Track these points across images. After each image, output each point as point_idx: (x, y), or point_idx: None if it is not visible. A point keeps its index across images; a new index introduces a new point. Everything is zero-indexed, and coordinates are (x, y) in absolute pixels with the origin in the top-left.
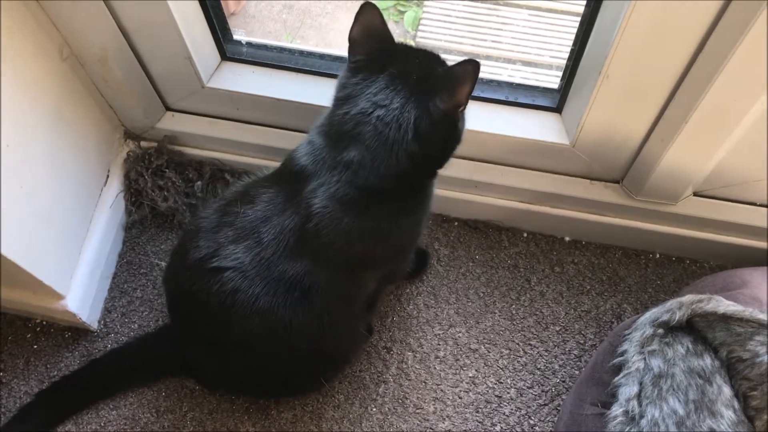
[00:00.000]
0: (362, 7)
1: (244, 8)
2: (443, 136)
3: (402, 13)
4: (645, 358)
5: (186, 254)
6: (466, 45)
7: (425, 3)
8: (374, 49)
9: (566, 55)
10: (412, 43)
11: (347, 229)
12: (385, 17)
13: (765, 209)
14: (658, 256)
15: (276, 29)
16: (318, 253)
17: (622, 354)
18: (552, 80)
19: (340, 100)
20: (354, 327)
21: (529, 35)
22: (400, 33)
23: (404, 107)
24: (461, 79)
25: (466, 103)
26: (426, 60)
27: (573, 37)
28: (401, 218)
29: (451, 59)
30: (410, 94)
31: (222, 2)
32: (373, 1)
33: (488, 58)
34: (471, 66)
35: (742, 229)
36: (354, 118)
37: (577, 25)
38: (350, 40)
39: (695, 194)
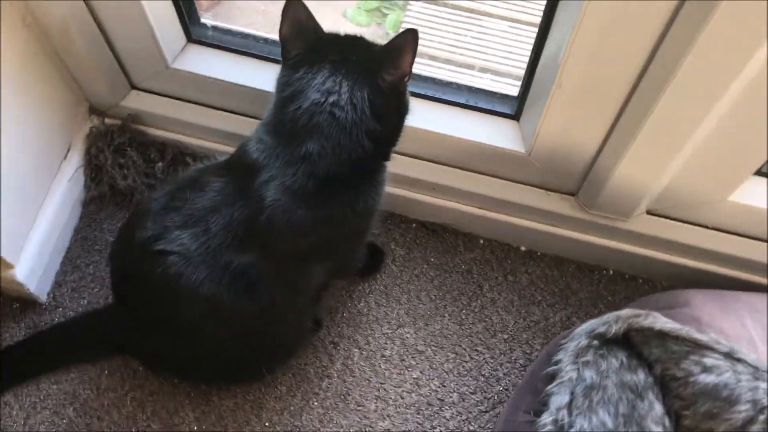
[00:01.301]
0: (287, 4)
1: None
2: (394, 108)
3: (385, 15)
4: (578, 369)
5: (132, 234)
6: (445, 52)
7: (407, 6)
8: (308, 42)
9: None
10: None
11: (300, 220)
12: (369, 19)
13: (717, 232)
14: (611, 272)
15: (258, 21)
16: (267, 245)
17: (557, 363)
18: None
19: (287, 99)
20: (299, 319)
21: (504, 45)
22: (381, 34)
23: (354, 88)
24: (403, 49)
25: (410, 72)
26: (359, 42)
27: None
28: (355, 205)
29: (431, 64)
30: (356, 75)
31: None
32: (360, 2)
33: (467, 66)
34: (410, 35)
35: (694, 251)
36: (307, 111)
37: None
38: (281, 39)
39: (648, 212)
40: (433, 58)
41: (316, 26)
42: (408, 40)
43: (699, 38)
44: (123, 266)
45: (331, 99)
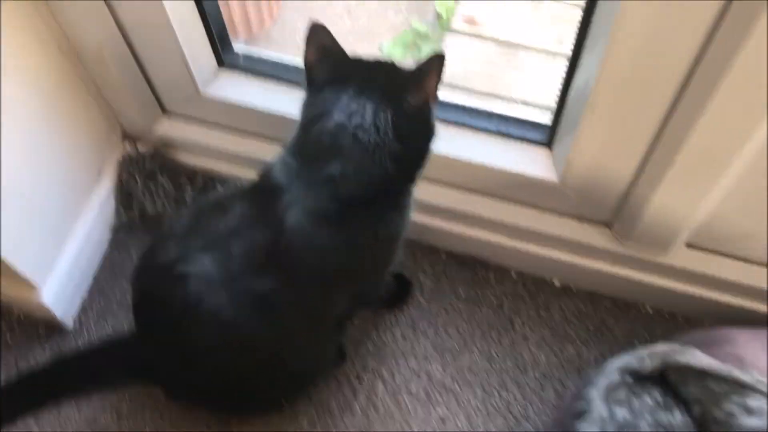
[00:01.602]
0: (311, 29)
1: (268, 33)
2: (420, 131)
3: (421, 49)
4: (610, 407)
5: (154, 256)
6: (480, 84)
7: (443, 40)
8: (333, 66)
9: None
10: None
11: (321, 245)
12: (404, 52)
13: (762, 268)
14: (649, 309)
15: (297, 54)
16: (288, 270)
17: (587, 399)
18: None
19: (311, 120)
20: (321, 348)
21: (540, 78)
22: None
23: (378, 110)
24: (428, 73)
25: (435, 96)
26: (383, 65)
27: None
28: (379, 230)
29: (466, 98)
30: (381, 97)
31: (243, 20)
32: (390, 37)
33: (501, 98)
34: (436, 59)
35: (737, 288)
36: (331, 132)
37: None
38: (306, 64)
39: (689, 246)
40: (466, 90)
41: (341, 50)
42: (434, 63)
43: (736, 62)
44: (144, 289)
45: (354, 121)
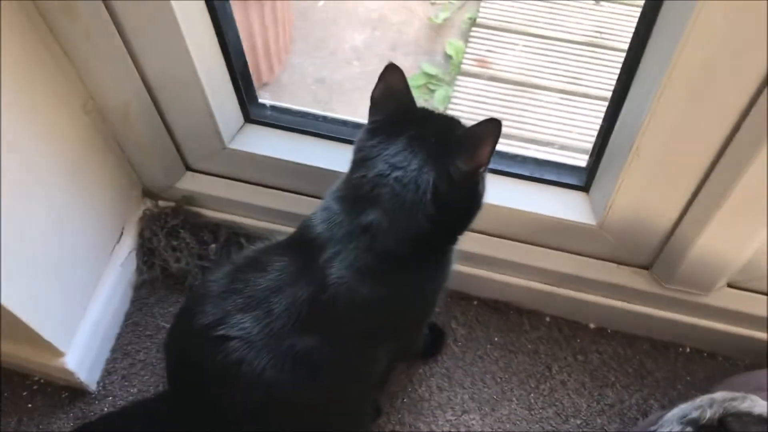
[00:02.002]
0: (386, 68)
1: (278, 79)
2: (463, 198)
3: (432, 92)
4: None
5: (191, 319)
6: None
7: (456, 82)
8: (394, 110)
9: (592, 139)
10: None
11: (365, 299)
12: (417, 94)
13: None
14: (688, 350)
15: (307, 102)
16: (331, 326)
17: None
18: (579, 161)
19: (357, 163)
20: (363, 406)
21: (561, 119)
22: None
23: (422, 169)
24: (482, 139)
25: (487, 164)
26: (445, 123)
27: (599, 121)
28: (421, 285)
29: None
30: (429, 156)
31: (254, 70)
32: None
33: (517, 138)
34: (492, 125)
35: None
36: (371, 181)
37: (604, 109)
38: (372, 100)
39: (729, 285)
40: None
41: (409, 96)
42: (489, 129)
43: None
44: (181, 353)
45: (396, 174)
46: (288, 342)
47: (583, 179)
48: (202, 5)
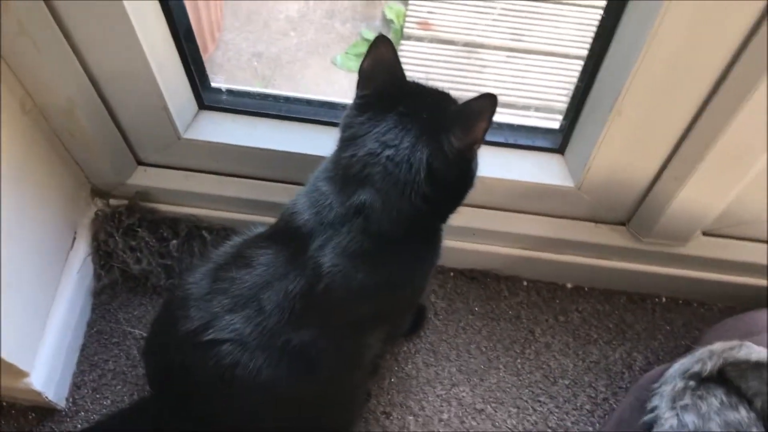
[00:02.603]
0: (376, 39)
1: (212, 57)
2: (457, 176)
3: None
4: (678, 414)
5: (175, 325)
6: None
7: (400, 47)
8: (384, 84)
9: (551, 96)
10: None
11: (360, 285)
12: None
13: None
14: (664, 300)
15: (246, 78)
16: (326, 317)
17: (653, 410)
18: (538, 123)
19: (345, 141)
20: (358, 394)
21: (511, 77)
22: None
23: (415, 146)
24: (478, 115)
25: (482, 140)
26: (437, 98)
27: (558, 78)
28: (415, 266)
29: None
30: (421, 132)
31: None
32: (342, 49)
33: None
34: (489, 100)
35: (752, 268)
36: (362, 160)
37: (560, 66)
38: (360, 72)
39: (704, 233)
40: None
41: (399, 71)
42: (486, 105)
43: None
44: (166, 362)
45: (387, 152)
46: (283, 338)
47: (558, 142)
48: None
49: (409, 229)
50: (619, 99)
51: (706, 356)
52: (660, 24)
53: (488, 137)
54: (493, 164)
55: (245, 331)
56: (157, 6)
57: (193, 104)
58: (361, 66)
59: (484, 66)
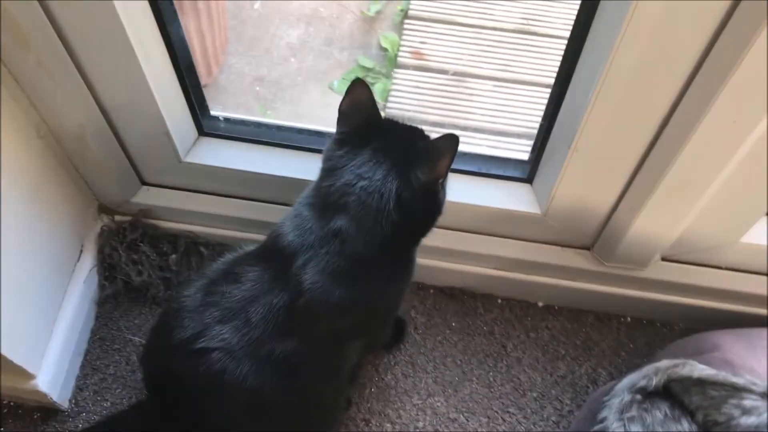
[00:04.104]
0: (353, 82)
1: (216, 81)
2: (424, 206)
3: (372, 84)
4: (625, 425)
5: (170, 334)
6: (434, 116)
7: (393, 74)
8: (360, 122)
9: (535, 125)
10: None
11: (339, 301)
12: None
13: (735, 273)
14: (629, 319)
15: (248, 101)
16: (307, 329)
17: (602, 421)
18: (521, 149)
19: (325, 172)
20: (337, 401)
21: (497, 106)
22: None
23: (386, 179)
24: (441, 153)
25: (445, 176)
26: (408, 135)
27: (542, 107)
28: (389, 284)
29: (425, 129)
30: (392, 166)
31: None
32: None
33: (457, 127)
34: (450, 140)
35: (710, 292)
36: (339, 190)
37: (543, 96)
38: (340, 111)
39: (663, 259)
40: (422, 122)
41: (375, 110)
42: (448, 144)
43: (713, 103)
44: (161, 368)
45: (361, 183)
46: (267, 348)
47: (527, 172)
48: (154, 25)
49: (381, 251)
50: (576, 137)
51: (652, 372)
52: (608, 69)
53: (464, 167)
54: (468, 191)
55: (233, 340)
56: (161, 43)
57: (193, 131)
58: (340, 105)
59: (471, 94)
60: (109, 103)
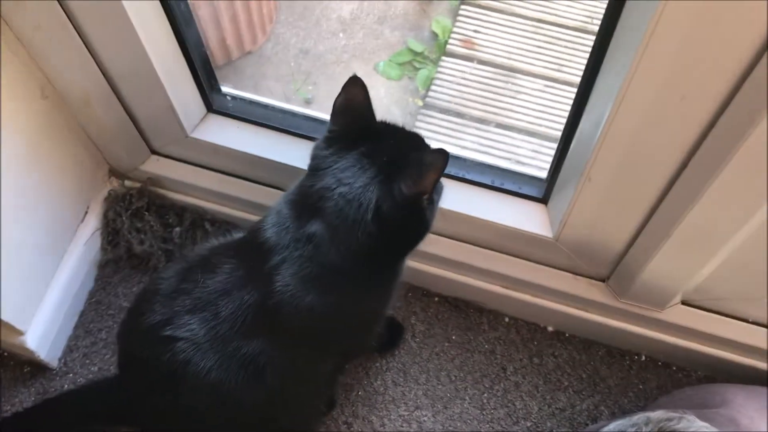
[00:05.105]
0: (349, 80)
1: (261, 49)
2: (406, 221)
3: (417, 70)
4: None
5: (141, 316)
6: (476, 110)
7: (440, 62)
8: (352, 123)
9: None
10: (419, 102)
11: (308, 307)
12: (400, 72)
13: (761, 328)
14: (644, 358)
15: (288, 72)
16: (275, 331)
17: None
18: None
19: (310, 170)
20: (310, 404)
21: (545, 107)
22: (412, 89)
23: (367, 187)
24: (427, 167)
25: (431, 192)
26: (402, 142)
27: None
28: (365, 299)
29: (460, 122)
30: (376, 174)
31: (235, 39)
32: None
33: (498, 125)
34: (440, 156)
35: (731, 344)
36: (318, 192)
37: None
38: (333, 108)
39: (684, 303)
40: (460, 114)
41: (369, 111)
42: (436, 159)
43: (739, 148)
44: (130, 349)
45: (341, 189)
46: (234, 345)
47: (542, 191)
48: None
49: (356, 262)
50: (588, 165)
51: (642, 422)
52: (623, 98)
53: (478, 178)
54: (479, 204)
55: (200, 332)
56: (164, 18)
57: (201, 107)
58: (335, 102)
59: (518, 92)
60: (113, 70)
